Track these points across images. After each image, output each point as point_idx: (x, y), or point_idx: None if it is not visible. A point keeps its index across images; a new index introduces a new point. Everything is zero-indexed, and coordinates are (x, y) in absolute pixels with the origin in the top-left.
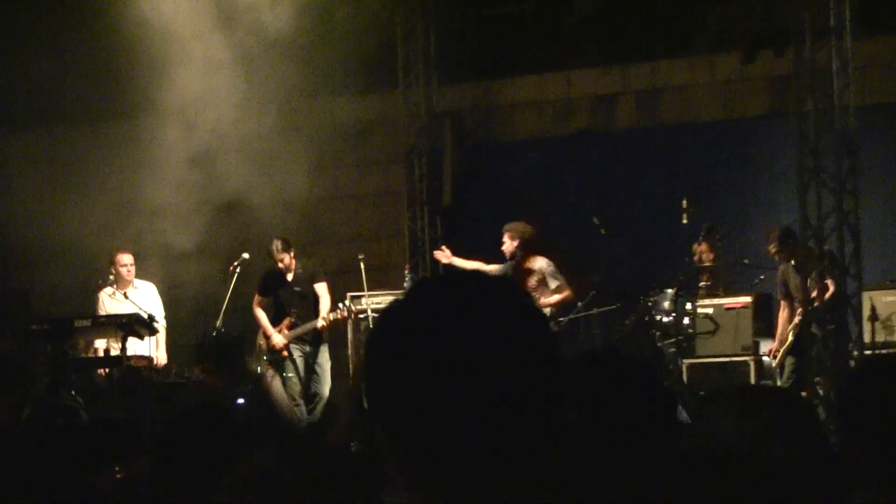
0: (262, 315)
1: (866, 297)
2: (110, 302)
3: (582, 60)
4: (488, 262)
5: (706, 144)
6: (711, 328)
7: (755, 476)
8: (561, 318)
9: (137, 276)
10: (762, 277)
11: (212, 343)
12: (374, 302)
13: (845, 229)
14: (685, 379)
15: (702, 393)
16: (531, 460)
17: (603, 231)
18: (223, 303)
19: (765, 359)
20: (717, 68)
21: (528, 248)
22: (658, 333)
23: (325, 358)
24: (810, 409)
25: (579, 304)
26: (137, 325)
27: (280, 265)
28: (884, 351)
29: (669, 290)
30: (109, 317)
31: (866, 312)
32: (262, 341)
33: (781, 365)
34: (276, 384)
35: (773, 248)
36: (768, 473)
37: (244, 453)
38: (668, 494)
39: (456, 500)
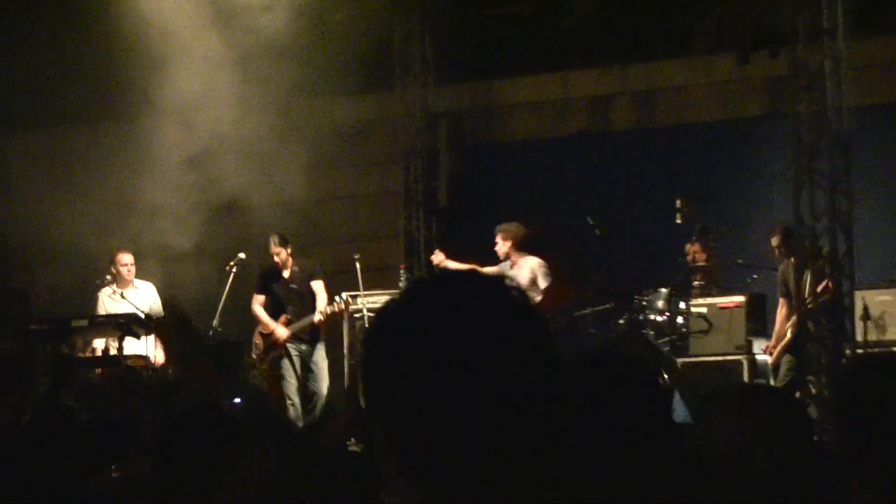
0: (261, 312)
1: (859, 296)
2: (110, 301)
3: (579, 61)
4: (484, 263)
5: (703, 145)
6: (705, 327)
7: (752, 478)
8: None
9: (136, 276)
10: (756, 277)
11: (209, 343)
12: (371, 302)
13: (838, 229)
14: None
15: (700, 393)
16: (530, 460)
17: (598, 231)
18: (219, 303)
19: (759, 357)
20: (714, 69)
21: (521, 248)
22: (652, 332)
23: (321, 356)
24: (803, 410)
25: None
26: (135, 325)
27: (276, 259)
28: (876, 350)
29: (664, 290)
30: (107, 317)
31: (859, 312)
32: (258, 340)
33: (778, 362)
34: (274, 383)
35: (775, 242)
36: (764, 475)
37: (242, 453)
38: (667, 494)
39: (455, 499)
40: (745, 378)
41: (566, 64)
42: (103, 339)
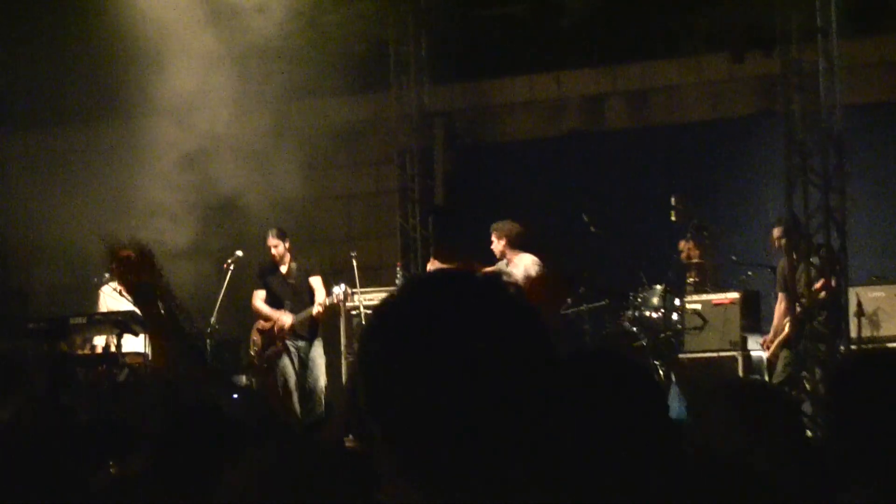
0: (263, 305)
1: (852, 292)
2: (112, 299)
3: (573, 61)
4: (479, 261)
5: (697, 143)
6: (700, 324)
7: (747, 476)
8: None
9: None
10: (750, 274)
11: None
12: (367, 299)
13: (832, 226)
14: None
15: (696, 389)
16: (528, 459)
17: (593, 228)
18: (216, 301)
19: (754, 353)
20: (705, 69)
21: (516, 246)
22: (646, 329)
23: (319, 353)
24: (797, 408)
25: (569, 300)
26: (133, 323)
27: (273, 252)
28: (870, 346)
29: (658, 287)
30: (105, 314)
31: (853, 308)
32: (256, 337)
33: (775, 357)
34: (272, 380)
35: (776, 233)
36: (759, 473)
37: (241, 452)
38: (665, 493)
39: (453, 499)
40: (740, 374)
41: (560, 64)
42: (104, 337)
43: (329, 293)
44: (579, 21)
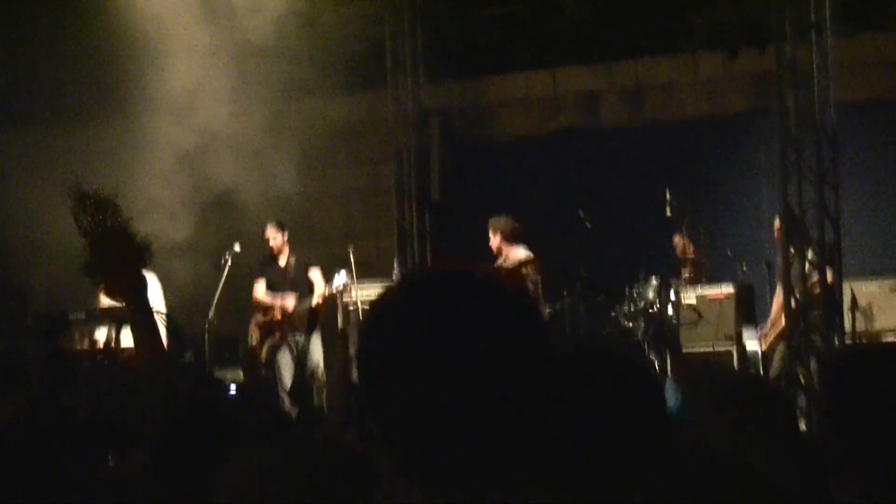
0: (264, 295)
1: (847, 286)
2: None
3: (569, 59)
4: (476, 257)
5: (691, 140)
6: (695, 318)
7: (740, 473)
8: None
9: None
10: (745, 269)
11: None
12: (365, 294)
13: (826, 221)
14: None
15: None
16: (526, 457)
17: (589, 224)
18: (214, 296)
19: (749, 348)
20: (701, 66)
21: (511, 241)
22: (643, 323)
23: (317, 346)
24: (790, 404)
25: (565, 293)
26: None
27: (272, 243)
28: (864, 340)
29: (654, 282)
30: (104, 309)
31: (847, 302)
32: (254, 331)
33: (772, 349)
34: (270, 374)
35: (777, 225)
36: (752, 470)
37: (238, 447)
38: (662, 490)
39: (452, 498)
40: (735, 369)
41: (556, 61)
42: (105, 330)
43: (330, 282)
44: (575, 19)
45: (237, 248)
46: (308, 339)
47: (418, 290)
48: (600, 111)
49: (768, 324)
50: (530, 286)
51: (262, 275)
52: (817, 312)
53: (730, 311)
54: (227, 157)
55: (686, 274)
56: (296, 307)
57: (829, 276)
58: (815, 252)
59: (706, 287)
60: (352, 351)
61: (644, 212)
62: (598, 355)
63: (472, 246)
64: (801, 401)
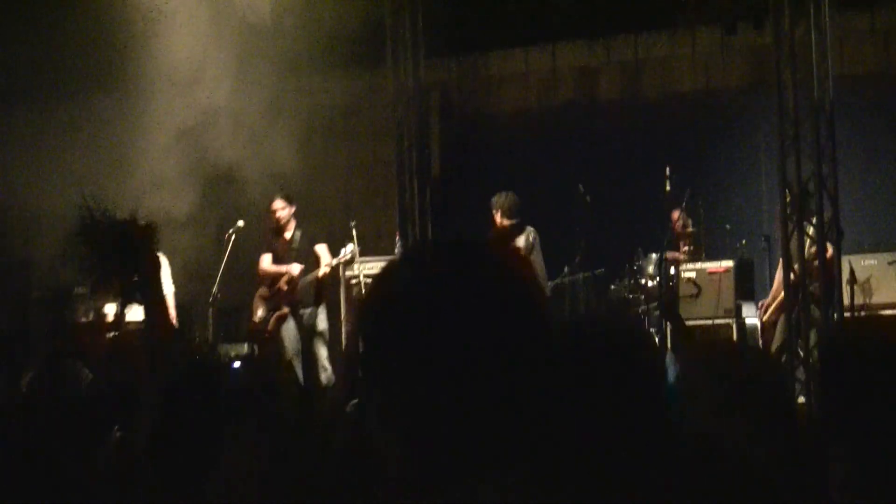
0: (270, 265)
1: (845, 261)
2: None
3: (567, 34)
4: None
5: (688, 114)
6: (694, 292)
7: (726, 454)
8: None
9: None
10: (744, 242)
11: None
12: (367, 268)
13: (824, 195)
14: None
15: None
16: (524, 430)
17: (588, 198)
18: (217, 271)
19: (748, 321)
20: (698, 41)
21: (512, 216)
22: (643, 297)
23: (322, 319)
24: (783, 380)
25: (566, 269)
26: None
27: (278, 215)
28: (862, 313)
29: (653, 255)
30: (106, 283)
31: (845, 276)
32: (258, 304)
33: (773, 323)
34: (274, 347)
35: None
36: (738, 451)
37: (241, 420)
38: (658, 469)
39: (450, 469)
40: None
41: (554, 37)
42: (114, 305)
43: (337, 254)
44: None
45: (241, 223)
46: (314, 312)
47: (420, 261)
48: (599, 86)
49: (770, 296)
50: (532, 260)
51: (269, 248)
52: (816, 286)
53: (729, 286)
54: (228, 133)
55: (685, 248)
56: (300, 275)
57: (829, 251)
58: (813, 227)
59: (705, 261)
60: (352, 324)
61: (642, 185)
62: (599, 326)
63: (473, 220)
64: (800, 373)
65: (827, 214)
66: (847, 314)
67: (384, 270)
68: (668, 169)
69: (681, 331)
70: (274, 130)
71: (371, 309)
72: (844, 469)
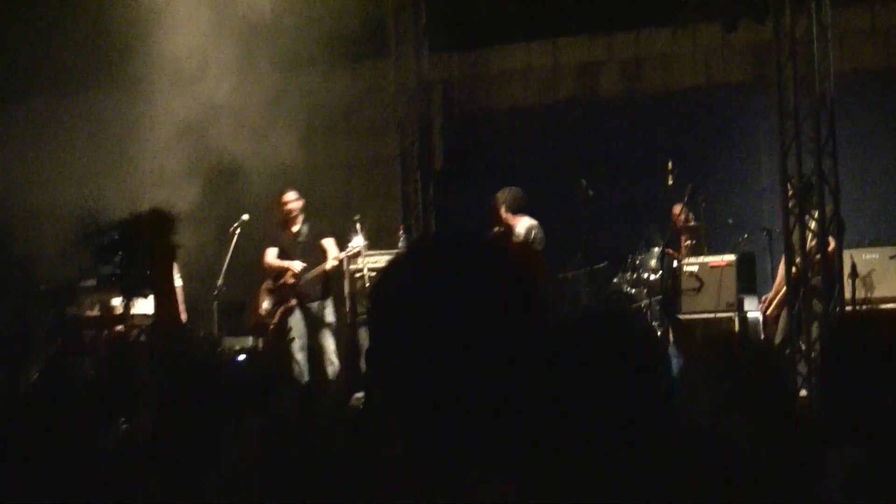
0: (275, 260)
1: (847, 255)
2: None
3: (568, 30)
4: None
5: (690, 110)
6: (697, 286)
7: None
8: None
9: None
10: (745, 236)
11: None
12: (371, 262)
13: (825, 190)
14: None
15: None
16: (528, 419)
17: (590, 193)
18: (220, 265)
19: (750, 315)
20: (699, 37)
21: (516, 211)
22: (645, 291)
23: (329, 312)
24: (782, 373)
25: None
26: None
27: (291, 206)
28: (864, 307)
29: (655, 249)
30: (114, 276)
31: (847, 270)
32: (264, 297)
33: (776, 317)
34: (280, 340)
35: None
36: (735, 443)
37: (245, 411)
38: (663, 466)
39: (454, 455)
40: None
41: (556, 32)
42: (121, 299)
43: (346, 248)
44: None
45: (245, 217)
46: (322, 304)
47: (424, 256)
48: (600, 82)
49: (773, 290)
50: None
51: (274, 242)
52: (818, 280)
53: (731, 279)
54: (231, 129)
55: (687, 242)
56: (302, 272)
57: (831, 245)
58: (815, 220)
59: (707, 255)
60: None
61: (644, 180)
62: (601, 320)
63: (475, 214)
64: (802, 367)
65: (828, 209)
66: (848, 308)
67: (389, 265)
68: (669, 163)
69: (680, 331)
70: (276, 125)
71: (376, 304)
72: (844, 468)
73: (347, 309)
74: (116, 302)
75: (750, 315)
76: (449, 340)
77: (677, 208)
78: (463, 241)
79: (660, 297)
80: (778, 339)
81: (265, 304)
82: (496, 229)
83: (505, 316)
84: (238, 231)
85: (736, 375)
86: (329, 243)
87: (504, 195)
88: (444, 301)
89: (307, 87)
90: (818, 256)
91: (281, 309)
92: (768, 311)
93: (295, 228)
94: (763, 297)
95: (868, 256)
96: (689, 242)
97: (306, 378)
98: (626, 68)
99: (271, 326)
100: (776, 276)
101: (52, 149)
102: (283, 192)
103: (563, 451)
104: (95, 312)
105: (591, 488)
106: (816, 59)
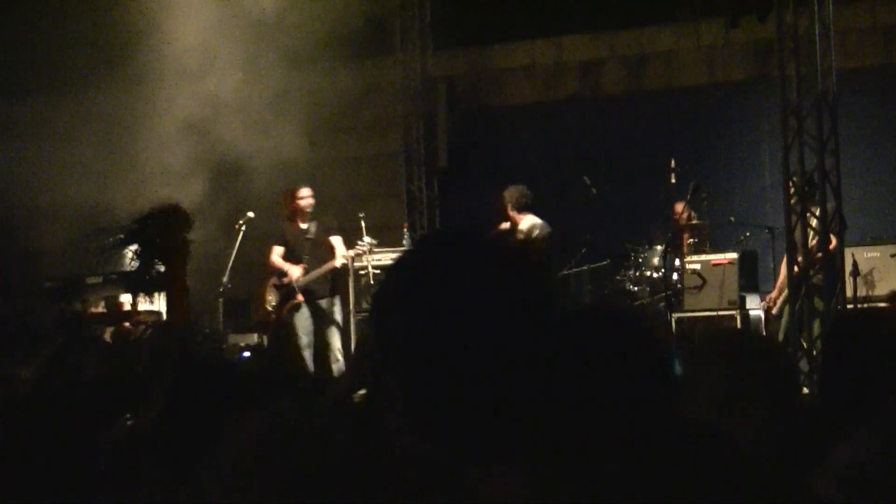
0: (279, 260)
1: (848, 253)
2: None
3: (572, 27)
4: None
5: (692, 107)
6: (699, 283)
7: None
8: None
9: None
10: (748, 234)
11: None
12: (376, 259)
13: (827, 188)
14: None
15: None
16: (532, 411)
17: (594, 190)
18: (227, 262)
19: (752, 312)
20: (702, 34)
21: (521, 209)
22: (648, 288)
23: (337, 309)
24: (790, 366)
25: (571, 260)
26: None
27: (305, 202)
28: (865, 305)
29: (658, 247)
30: (120, 273)
31: (848, 268)
32: (270, 294)
33: (780, 315)
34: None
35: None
36: (737, 442)
37: (250, 408)
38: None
39: (460, 448)
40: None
41: (560, 30)
42: (129, 296)
43: (354, 246)
44: None
45: (251, 214)
46: (330, 302)
47: (430, 249)
48: (604, 79)
49: (776, 289)
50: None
51: (280, 239)
52: (819, 277)
53: (733, 277)
54: (235, 126)
55: (689, 240)
56: (299, 278)
57: (832, 242)
58: (816, 218)
59: (710, 252)
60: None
61: (646, 178)
62: (607, 314)
63: (479, 211)
64: (803, 364)
65: (830, 207)
66: (850, 306)
67: (395, 262)
68: (672, 161)
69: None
70: (281, 121)
71: (380, 301)
72: (845, 467)
73: (352, 306)
74: (124, 298)
75: (752, 312)
76: (452, 338)
77: (679, 206)
78: (466, 239)
79: (662, 294)
80: (780, 337)
81: (271, 299)
82: (501, 226)
83: (510, 312)
84: (243, 228)
85: (739, 372)
86: (337, 241)
87: (510, 193)
88: (448, 299)
89: (311, 85)
90: (819, 254)
91: (287, 304)
92: (774, 310)
93: (304, 224)
94: (767, 297)
95: (869, 254)
96: (691, 240)
97: (311, 375)
98: (629, 66)
99: (278, 317)
100: (778, 273)
101: (55, 147)
102: (296, 187)
103: (565, 450)
104: (101, 309)
105: (593, 487)
106: (818, 57)
